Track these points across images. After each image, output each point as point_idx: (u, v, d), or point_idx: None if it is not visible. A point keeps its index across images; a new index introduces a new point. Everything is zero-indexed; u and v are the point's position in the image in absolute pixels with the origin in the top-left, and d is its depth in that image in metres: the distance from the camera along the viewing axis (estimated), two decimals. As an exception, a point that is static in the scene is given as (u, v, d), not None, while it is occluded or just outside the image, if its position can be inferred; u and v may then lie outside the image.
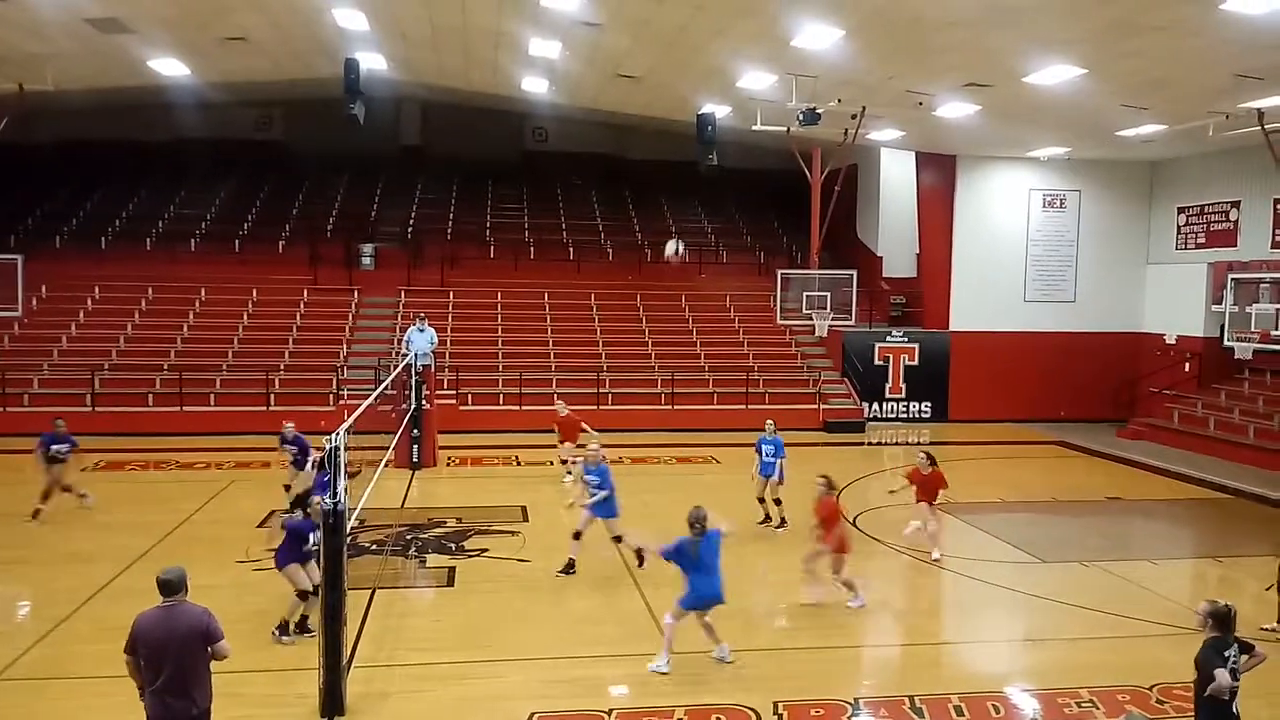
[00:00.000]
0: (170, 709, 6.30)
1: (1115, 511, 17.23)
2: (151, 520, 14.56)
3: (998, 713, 8.71)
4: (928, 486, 13.33)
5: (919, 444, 23.74)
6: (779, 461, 14.79)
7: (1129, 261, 26.60)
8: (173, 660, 6.29)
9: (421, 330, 21.44)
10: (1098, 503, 17.66)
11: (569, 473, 17.10)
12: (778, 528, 14.85)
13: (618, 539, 12.62)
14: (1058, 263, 26.55)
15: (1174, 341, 25.52)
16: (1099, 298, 26.49)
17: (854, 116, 20.22)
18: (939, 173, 26.37)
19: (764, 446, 14.99)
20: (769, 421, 15.37)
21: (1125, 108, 18.64)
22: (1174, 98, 17.79)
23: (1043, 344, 26.08)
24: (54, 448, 14.35)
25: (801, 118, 18.64)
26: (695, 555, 9.42)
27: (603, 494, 12.38)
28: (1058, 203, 26.49)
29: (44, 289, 25.08)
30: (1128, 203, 26.49)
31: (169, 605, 6.43)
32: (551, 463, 20.04)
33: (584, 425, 17.24)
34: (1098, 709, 8.73)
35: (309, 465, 14.30)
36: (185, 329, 25.12)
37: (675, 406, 24.10)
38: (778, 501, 14.98)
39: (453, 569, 12.62)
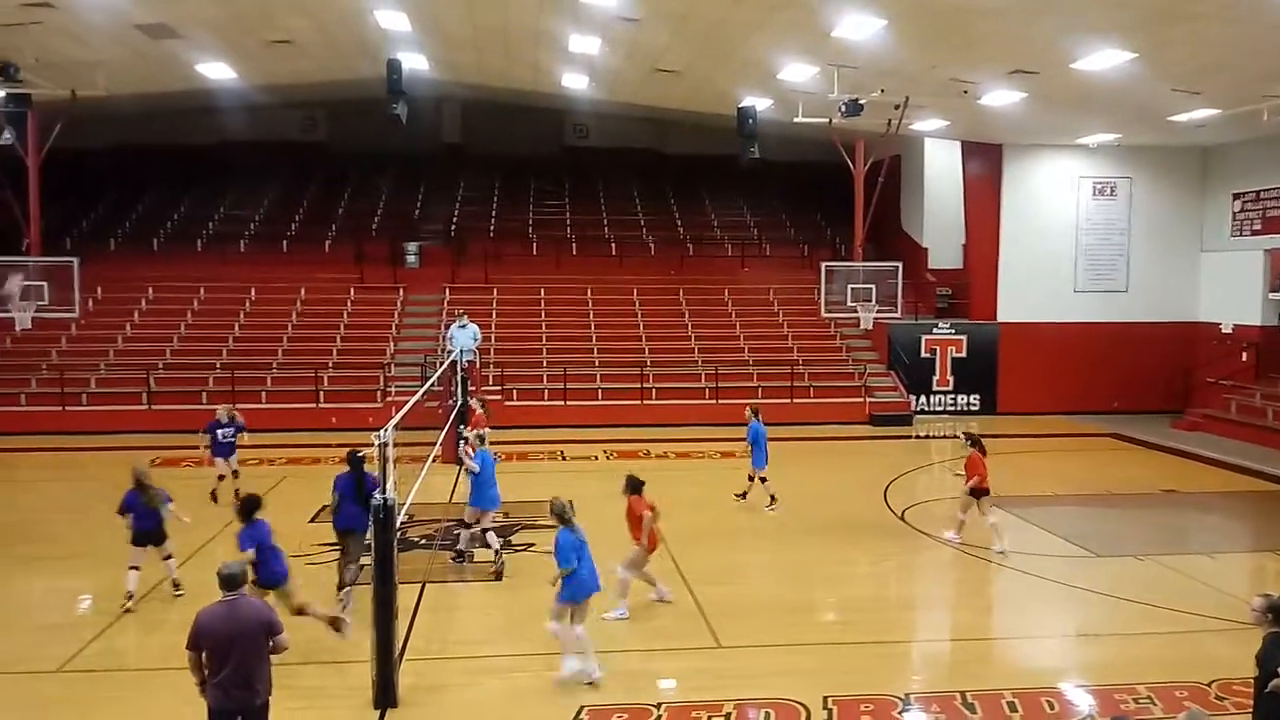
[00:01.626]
0: (233, 699, 6.47)
1: (1171, 504, 16.89)
2: (206, 516, 14.79)
3: (1052, 709, 8.59)
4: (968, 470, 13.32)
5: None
6: (757, 446, 15.37)
7: (1183, 249, 26.02)
8: (237, 653, 6.45)
9: (463, 327, 21.61)
10: (1152, 495, 17.33)
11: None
12: (740, 497, 15.69)
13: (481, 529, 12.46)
14: (1109, 252, 26.05)
15: (1230, 330, 24.93)
16: (1152, 287, 25.95)
17: (897, 107, 19.98)
18: (985, 162, 25.99)
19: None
20: (748, 408, 15.92)
21: (1176, 92, 18.23)
22: (1227, 82, 17.36)
23: (1094, 334, 25.61)
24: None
25: (844, 109, 18.47)
26: (581, 546, 9.17)
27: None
28: (1108, 190, 25.99)
29: (99, 290, 25.64)
30: (1181, 189, 25.92)
31: (231, 599, 6.59)
32: (596, 457, 20.15)
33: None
34: (1155, 705, 8.58)
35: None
36: (236, 328, 25.55)
37: (719, 400, 24.01)
38: (751, 479, 15.66)
39: (500, 563, 12.71)
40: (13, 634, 10.61)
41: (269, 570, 9.35)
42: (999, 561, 13.02)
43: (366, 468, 10.75)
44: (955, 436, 23.33)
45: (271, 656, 6.70)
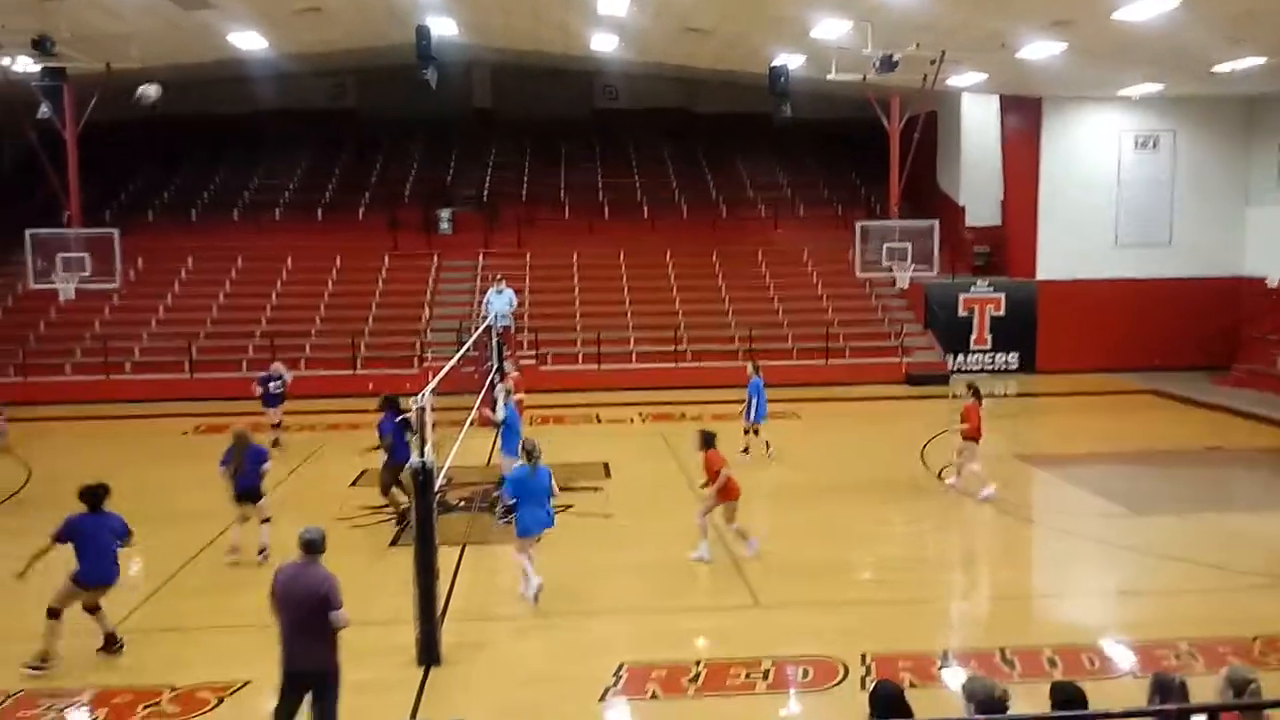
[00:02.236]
0: (296, 659, 6.70)
1: (1214, 461, 16.67)
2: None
3: (1092, 665, 8.57)
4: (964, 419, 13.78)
5: (1006, 395, 23.29)
6: (754, 400, 16.13)
7: (1227, 203, 25.42)
8: (298, 615, 6.67)
9: (500, 292, 21.72)
10: (1195, 453, 17.10)
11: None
12: (766, 451, 16.26)
13: None
14: (1151, 206, 25.53)
15: (1276, 285, 24.40)
16: (1195, 241, 25.41)
17: (933, 61, 19.60)
18: (1024, 116, 25.50)
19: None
20: (749, 363, 16.91)
21: (1221, 41, 17.72)
22: (1273, 28, 16.83)
23: (1136, 291, 25.16)
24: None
25: (878, 65, 18.17)
26: (530, 483, 9.91)
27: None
28: (1150, 143, 25.41)
29: (140, 262, 25.99)
30: (1225, 141, 25.27)
31: (303, 563, 6.80)
32: (630, 420, 20.23)
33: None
34: (1196, 660, 8.52)
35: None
36: (274, 297, 25.83)
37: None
38: (746, 431, 16.30)
39: (538, 525, 12.84)
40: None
41: (89, 568, 8.67)
42: (1038, 520, 12.96)
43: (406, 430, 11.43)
44: (991, 395, 23.31)
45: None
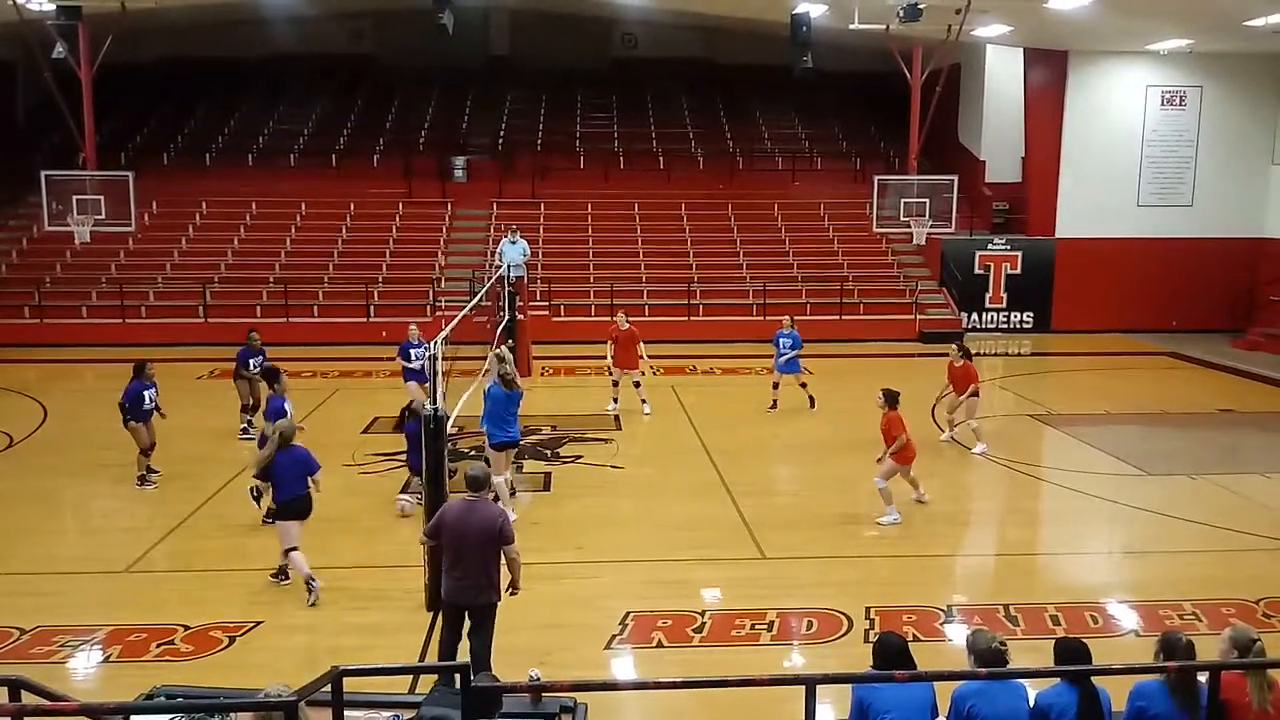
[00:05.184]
0: (460, 594, 6.94)
1: (1227, 424, 16.58)
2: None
3: (1096, 623, 8.61)
4: (957, 380, 14.18)
5: (1020, 354, 23.17)
6: (796, 353, 16.26)
7: (1253, 163, 24.96)
8: (469, 549, 6.88)
9: (514, 242, 21.61)
10: (1209, 415, 17.01)
11: (615, 400, 16.56)
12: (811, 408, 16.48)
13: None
14: (1175, 164, 25.10)
15: (1299, 247, 24.07)
16: (1219, 201, 25.01)
17: (958, 12, 19.26)
18: (1049, 70, 25.01)
19: (781, 340, 16.29)
20: (786, 317, 16.82)
21: (1256, -7, 17.33)
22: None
23: (1155, 250, 24.83)
24: (251, 362, 14.40)
25: (902, 14, 17.89)
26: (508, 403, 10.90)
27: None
28: (1177, 100, 24.93)
29: (154, 205, 25.95)
30: (1255, 100, 24.73)
31: (472, 500, 6.99)
32: (642, 373, 20.19)
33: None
34: (1200, 622, 8.54)
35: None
36: (288, 242, 25.80)
37: (767, 317, 23.82)
38: (804, 385, 16.46)
39: (548, 474, 12.93)
40: (83, 536, 11.13)
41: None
42: (1048, 478, 12.95)
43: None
44: (1005, 354, 23.20)
45: (328, 562, 6.92)
